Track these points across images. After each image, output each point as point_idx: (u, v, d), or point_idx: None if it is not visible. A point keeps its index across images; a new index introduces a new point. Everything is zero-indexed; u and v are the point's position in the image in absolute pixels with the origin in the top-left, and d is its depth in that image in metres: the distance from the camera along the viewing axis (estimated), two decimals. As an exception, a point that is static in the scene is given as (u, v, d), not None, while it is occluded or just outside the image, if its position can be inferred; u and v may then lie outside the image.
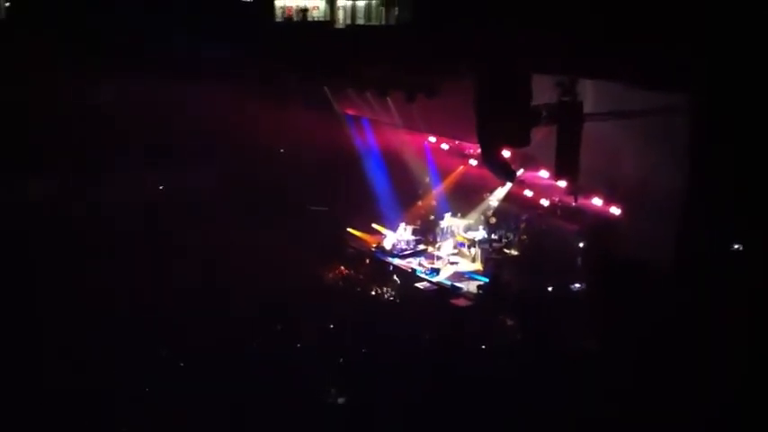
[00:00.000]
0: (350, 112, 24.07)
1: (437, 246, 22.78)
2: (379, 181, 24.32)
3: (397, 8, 18.16)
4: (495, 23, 14.95)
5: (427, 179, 24.38)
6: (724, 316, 14.00)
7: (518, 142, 17.41)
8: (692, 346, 14.19)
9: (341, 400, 14.73)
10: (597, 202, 18.74)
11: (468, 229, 22.92)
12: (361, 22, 18.77)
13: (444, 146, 23.37)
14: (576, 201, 19.17)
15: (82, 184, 22.04)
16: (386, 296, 20.66)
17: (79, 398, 13.96)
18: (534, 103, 16.48)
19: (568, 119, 16.58)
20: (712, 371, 13.42)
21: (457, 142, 22.93)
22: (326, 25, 19.22)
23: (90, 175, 22.04)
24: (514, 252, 21.91)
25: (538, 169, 20.01)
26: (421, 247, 23.31)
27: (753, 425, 12.62)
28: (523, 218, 21.71)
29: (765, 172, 13.28)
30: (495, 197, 22.30)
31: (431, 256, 22.57)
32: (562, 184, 18.92)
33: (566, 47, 13.96)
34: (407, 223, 23.60)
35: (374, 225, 23.79)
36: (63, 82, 19.57)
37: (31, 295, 17.67)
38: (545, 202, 20.25)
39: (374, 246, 23.43)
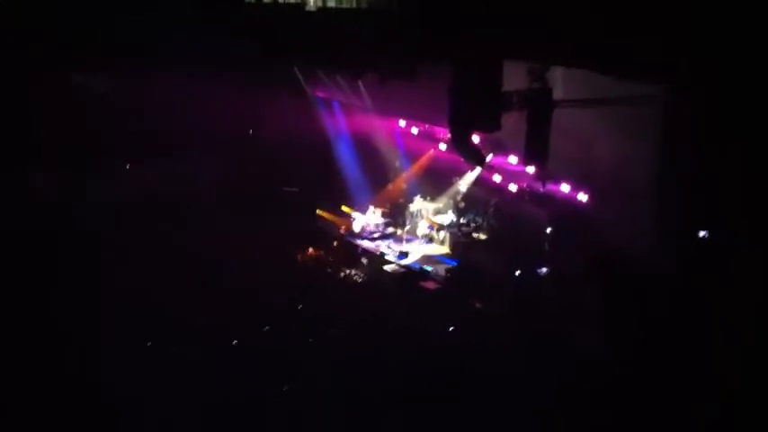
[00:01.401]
0: (320, 94, 24.02)
1: (406, 229, 22.88)
2: (348, 164, 24.32)
3: (369, -9, 18.09)
4: (468, 11, 14.96)
5: (397, 163, 24.39)
6: (698, 305, 14.22)
7: (488, 127, 17.50)
8: (663, 334, 14.43)
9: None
10: (565, 188, 18.91)
11: (437, 212, 23.03)
12: (332, 4, 18.65)
13: (414, 129, 23.39)
14: (544, 187, 19.32)
15: (77, 180, 21.86)
16: (354, 279, 20.70)
17: (77, 395, 13.92)
18: (505, 88, 16.56)
19: (538, 105, 16.70)
20: (690, 360, 13.65)
21: (427, 126, 22.96)
22: (297, 7, 19.06)
23: (84, 171, 21.87)
24: (483, 236, 22.10)
25: (507, 155, 20.12)
26: (390, 230, 23.40)
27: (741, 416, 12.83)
28: (492, 203, 21.86)
29: (739, 162, 13.46)
30: (465, 182, 22.42)
31: (400, 240, 22.66)
32: (531, 169, 19.09)
33: (539, 35, 14.01)
34: (376, 206, 23.65)
35: (343, 207, 23.81)
36: (59, 77, 19.49)
37: (28, 291, 17.51)
38: (514, 188, 20.38)
39: (343, 228, 23.47)
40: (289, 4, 18.67)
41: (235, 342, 15.99)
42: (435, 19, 15.65)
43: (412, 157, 23.84)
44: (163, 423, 13.44)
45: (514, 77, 16.73)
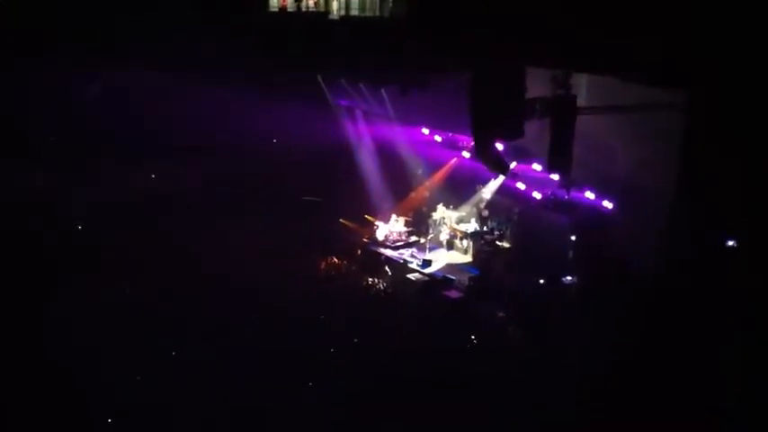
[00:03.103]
0: (343, 103, 24.06)
1: (429, 237, 22.83)
2: (371, 172, 24.32)
3: (391, 0, 18.18)
4: (490, 17, 14.95)
5: (420, 171, 24.37)
6: (712, 312, 14.11)
7: (511, 135, 17.46)
8: (680, 341, 14.32)
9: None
10: (590, 195, 18.80)
11: (460, 221, 22.98)
12: (355, 13, 18.74)
13: (437, 138, 23.37)
14: (568, 194, 19.22)
15: (71, 180, 22.09)
16: (378, 287, 20.69)
17: (75, 394, 14.02)
18: (528, 96, 16.53)
19: (562, 112, 16.65)
20: (702, 367, 13.55)
21: (450, 134, 22.92)
22: (321, 16, 19.18)
23: (79, 172, 22.08)
24: (506, 245, 22.00)
25: (531, 162, 20.05)
26: (413, 238, 23.36)
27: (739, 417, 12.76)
28: (516, 211, 21.74)
29: (759, 170, 13.34)
30: (488, 190, 22.33)
31: (423, 248, 22.62)
32: (555, 177, 18.99)
33: (560, 41, 13.98)
34: (399, 215, 23.63)
35: (367, 216, 23.82)
36: (59, 77, 19.72)
37: (27, 290, 17.71)
38: (537, 195, 20.27)
39: (366, 237, 23.46)
40: (312, 12, 18.77)
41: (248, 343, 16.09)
42: (453, 25, 15.67)
43: (435, 165, 23.78)
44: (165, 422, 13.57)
45: (538, 84, 16.71)
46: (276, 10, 19.12)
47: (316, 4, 18.79)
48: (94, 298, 17.61)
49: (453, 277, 20.81)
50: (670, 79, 13.25)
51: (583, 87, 17.09)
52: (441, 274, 21.15)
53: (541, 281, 19.33)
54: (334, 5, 18.87)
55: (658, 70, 13.01)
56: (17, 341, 15.62)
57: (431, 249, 22.47)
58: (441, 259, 22.11)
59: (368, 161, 24.43)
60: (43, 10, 18.53)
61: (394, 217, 23.48)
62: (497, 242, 22.04)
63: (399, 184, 24.30)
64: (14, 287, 17.69)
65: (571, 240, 19.50)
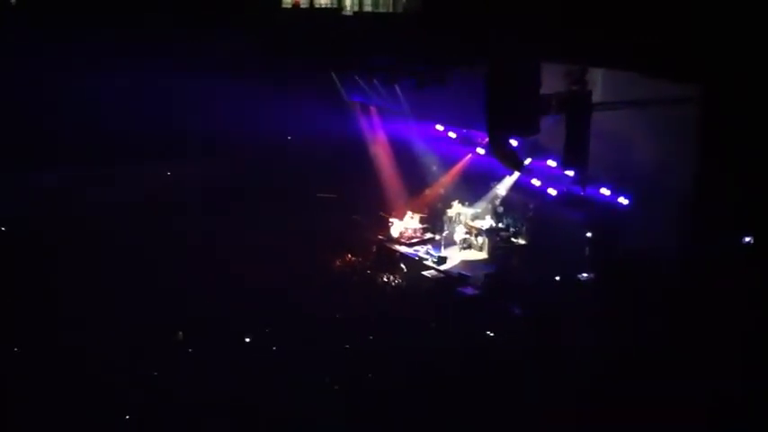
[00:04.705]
0: (358, 99, 24.01)
1: (444, 234, 22.74)
2: (386, 169, 24.28)
3: (405, -5, 18.15)
4: (505, 13, 14.88)
5: (434, 167, 24.30)
6: (730, 309, 13.99)
7: (526, 131, 17.40)
8: (697, 339, 14.20)
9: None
10: (605, 192, 18.67)
11: (475, 217, 22.88)
12: (368, 9, 18.69)
13: (452, 134, 23.29)
14: (583, 190, 19.10)
15: (84, 178, 22.18)
16: (393, 284, 20.63)
17: (80, 394, 14.04)
18: (543, 92, 16.44)
19: (577, 108, 16.56)
20: (717, 366, 13.44)
21: (465, 131, 22.84)
22: (334, 12, 19.14)
23: (92, 169, 22.18)
24: (522, 241, 21.91)
25: (546, 158, 19.94)
26: (428, 235, 23.29)
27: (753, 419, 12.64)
28: (531, 207, 21.64)
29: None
30: (503, 186, 22.24)
31: (438, 245, 22.55)
32: (570, 173, 18.87)
33: (576, 35, 13.88)
34: (414, 211, 23.56)
35: (381, 213, 23.76)
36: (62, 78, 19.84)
37: (29, 289, 17.77)
38: (553, 192, 20.17)
39: (381, 234, 23.41)
40: (325, 8, 18.74)
41: (274, 348, 16.05)
42: (467, 21, 15.60)
43: (449, 161, 23.70)
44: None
45: (553, 80, 16.61)
46: (289, 6, 19.07)
47: (329, -1, 18.75)
48: (107, 296, 17.63)
49: (468, 274, 20.74)
50: (688, 72, 13.13)
51: (598, 83, 16.98)
52: (456, 271, 21.08)
53: (557, 277, 19.23)
54: (348, 1, 18.82)
55: (676, 63, 12.89)
56: (28, 341, 15.67)
57: (446, 246, 22.39)
58: (456, 256, 22.03)
59: (382, 158, 24.39)
60: (56, 10, 18.60)
61: (409, 214, 23.42)
62: (513, 239, 21.97)
63: (414, 181, 24.25)
64: (28, 287, 17.80)
65: (587, 237, 19.39)
